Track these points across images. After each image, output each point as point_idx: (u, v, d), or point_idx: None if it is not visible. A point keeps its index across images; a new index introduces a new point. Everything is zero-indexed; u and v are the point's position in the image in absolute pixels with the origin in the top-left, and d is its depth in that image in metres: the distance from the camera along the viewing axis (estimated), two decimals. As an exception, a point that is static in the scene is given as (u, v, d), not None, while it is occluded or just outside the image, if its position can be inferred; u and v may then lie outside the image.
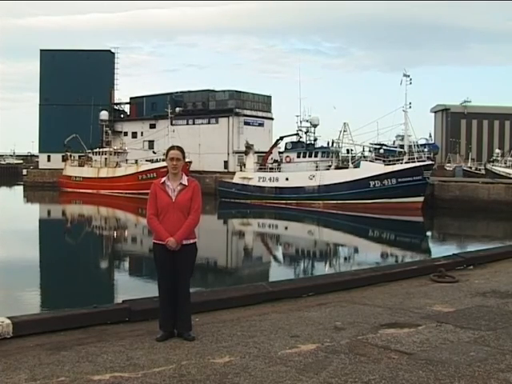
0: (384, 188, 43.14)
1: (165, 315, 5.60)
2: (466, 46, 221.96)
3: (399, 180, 42.61)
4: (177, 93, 74.48)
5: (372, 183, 43.70)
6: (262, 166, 51.75)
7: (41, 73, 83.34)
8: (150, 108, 75.32)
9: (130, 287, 17.22)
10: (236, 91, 68.68)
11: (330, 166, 47.40)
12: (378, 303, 7.13)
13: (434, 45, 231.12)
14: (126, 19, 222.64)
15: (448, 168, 73.00)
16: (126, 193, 56.15)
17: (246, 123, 67.65)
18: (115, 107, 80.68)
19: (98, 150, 65.58)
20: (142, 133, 74.04)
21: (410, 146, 46.47)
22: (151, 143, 69.12)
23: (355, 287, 8.07)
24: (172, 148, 5.83)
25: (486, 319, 6.29)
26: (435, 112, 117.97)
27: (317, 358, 4.93)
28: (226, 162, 65.47)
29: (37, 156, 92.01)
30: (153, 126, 71.97)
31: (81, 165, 66.74)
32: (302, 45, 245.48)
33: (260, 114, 70.45)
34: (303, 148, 48.99)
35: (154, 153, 61.42)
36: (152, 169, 55.20)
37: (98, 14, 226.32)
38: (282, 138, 53.17)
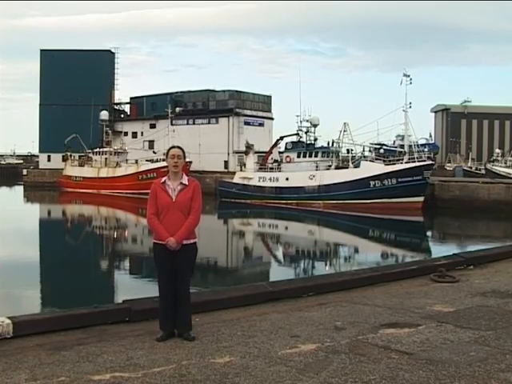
0: (384, 188, 43.14)
1: (165, 315, 5.60)
2: (464, 47, 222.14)
3: (399, 180, 42.60)
4: (177, 93, 74.49)
5: (372, 183, 43.70)
6: (262, 165, 51.74)
7: (41, 73, 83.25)
8: (150, 108, 75.34)
9: (130, 287, 17.22)
10: (236, 91, 68.67)
11: (330, 165, 47.38)
12: (378, 303, 7.13)
13: (434, 45, 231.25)
14: (124, 20, 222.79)
15: (448, 168, 73.00)
16: (127, 193, 56.14)
17: (246, 123, 67.64)
18: (115, 107, 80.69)
19: (98, 149, 65.58)
20: (142, 133, 74.05)
21: (410, 146, 46.45)
22: (151, 143, 69.13)
23: (355, 287, 8.07)
24: (173, 147, 5.87)
25: (486, 319, 6.28)
26: (435, 112, 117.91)
27: (317, 358, 4.93)
28: (226, 162, 65.46)
29: (37, 156, 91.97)
30: (153, 126, 71.99)
31: (81, 165, 66.73)
32: (299, 45, 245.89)
33: (260, 113, 70.43)
34: (303, 148, 48.97)
35: (154, 153, 61.42)
36: (152, 169, 55.19)
37: (96, 15, 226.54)
38: (282, 138, 53.17)
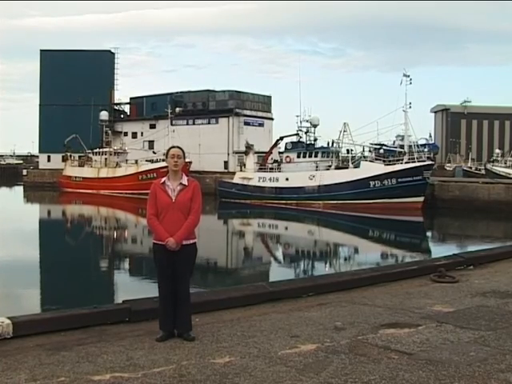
0: (384, 188, 43.14)
1: (165, 315, 5.60)
2: (464, 47, 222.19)
3: (399, 180, 42.61)
4: (177, 93, 74.49)
5: (372, 183, 43.70)
6: (262, 166, 51.73)
7: (41, 73, 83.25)
8: (150, 108, 75.31)
9: (130, 287, 17.21)
10: (236, 91, 68.65)
11: (330, 166, 47.38)
12: (378, 303, 7.13)
13: (434, 45, 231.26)
14: (124, 20, 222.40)
15: (448, 168, 73.05)
16: (126, 193, 56.13)
17: (246, 123, 67.62)
18: (115, 107, 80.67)
19: (98, 150, 65.57)
20: (142, 133, 74.02)
21: (410, 146, 46.45)
22: (151, 143, 69.13)
23: (355, 287, 8.07)
24: (172, 147, 5.88)
25: (486, 319, 6.29)
26: (435, 112, 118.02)
27: (317, 358, 4.93)
28: (225, 162, 65.45)
29: (37, 156, 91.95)
30: (153, 126, 71.98)
31: (81, 165, 66.73)
32: (298, 45, 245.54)
33: (260, 114, 70.41)
34: (303, 148, 48.96)
35: (154, 153, 61.41)
36: (152, 169, 55.19)
37: (96, 15, 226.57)
38: (282, 138, 53.16)
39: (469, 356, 4.97)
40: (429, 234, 35.74)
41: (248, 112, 68.29)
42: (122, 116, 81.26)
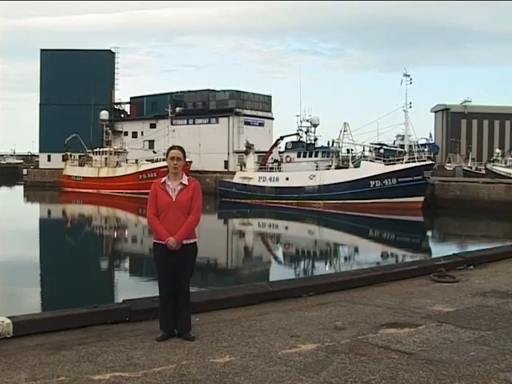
0: (384, 188, 43.13)
1: (165, 315, 5.60)
2: (464, 47, 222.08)
3: (399, 180, 42.60)
4: (177, 93, 74.51)
5: (372, 183, 43.69)
6: (263, 165, 51.74)
7: (41, 73, 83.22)
8: (151, 108, 75.34)
9: (130, 287, 17.21)
10: (236, 91, 68.67)
11: (330, 165, 47.39)
12: (378, 303, 7.13)
13: (434, 45, 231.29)
14: (123, 20, 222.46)
15: (448, 168, 73.02)
16: (127, 192, 56.15)
17: (246, 123, 67.63)
18: (115, 107, 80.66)
19: (98, 149, 65.59)
20: (142, 132, 74.06)
21: (410, 146, 46.48)
22: (151, 143, 69.15)
23: (355, 287, 8.08)
24: (173, 148, 5.84)
25: (486, 319, 6.29)
26: (435, 112, 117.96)
27: (317, 358, 4.93)
28: (226, 162, 65.46)
29: (37, 156, 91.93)
30: (153, 126, 71.98)
31: (81, 164, 66.73)
32: (298, 45, 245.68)
33: (260, 113, 70.43)
34: (303, 148, 48.98)
35: (154, 152, 61.43)
36: (152, 168, 55.20)
37: (96, 15, 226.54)
38: (282, 138, 53.18)
39: (469, 356, 4.97)
40: (429, 233, 35.73)
41: (248, 112, 68.30)
42: (122, 115, 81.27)
